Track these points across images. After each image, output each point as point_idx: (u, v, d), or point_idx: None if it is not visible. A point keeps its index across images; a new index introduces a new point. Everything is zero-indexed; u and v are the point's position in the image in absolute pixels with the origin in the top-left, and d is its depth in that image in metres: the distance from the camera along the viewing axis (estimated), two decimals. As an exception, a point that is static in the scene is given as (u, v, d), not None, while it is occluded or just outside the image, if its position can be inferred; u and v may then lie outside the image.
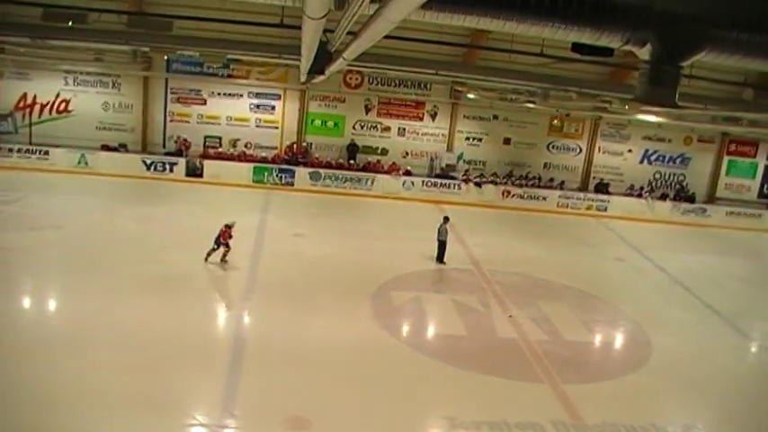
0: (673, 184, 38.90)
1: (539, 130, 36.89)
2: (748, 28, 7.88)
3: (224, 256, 21.96)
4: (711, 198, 39.41)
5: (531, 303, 21.88)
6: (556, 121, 35.88)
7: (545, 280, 24.61)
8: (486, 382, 16.71)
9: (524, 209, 35.11)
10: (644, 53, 9.05)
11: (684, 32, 8.92)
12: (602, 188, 37.35)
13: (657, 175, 38.69)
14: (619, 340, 21.44)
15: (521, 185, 35.82)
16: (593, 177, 37.90)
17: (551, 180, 36.94)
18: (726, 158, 39.43)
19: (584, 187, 37.61)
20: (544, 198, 35.82)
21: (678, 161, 38.84)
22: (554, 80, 26.87)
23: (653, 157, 38.51)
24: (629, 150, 38.16)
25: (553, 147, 37.30)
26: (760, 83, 29.19)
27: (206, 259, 21.83)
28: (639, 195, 37.40)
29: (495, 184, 35.49)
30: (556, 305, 22.23)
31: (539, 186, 36.25)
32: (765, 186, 40.09)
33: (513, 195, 35.40)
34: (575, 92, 26.70)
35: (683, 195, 38.44)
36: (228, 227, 21.99)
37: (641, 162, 38.44)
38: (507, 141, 36.79)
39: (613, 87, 27.45)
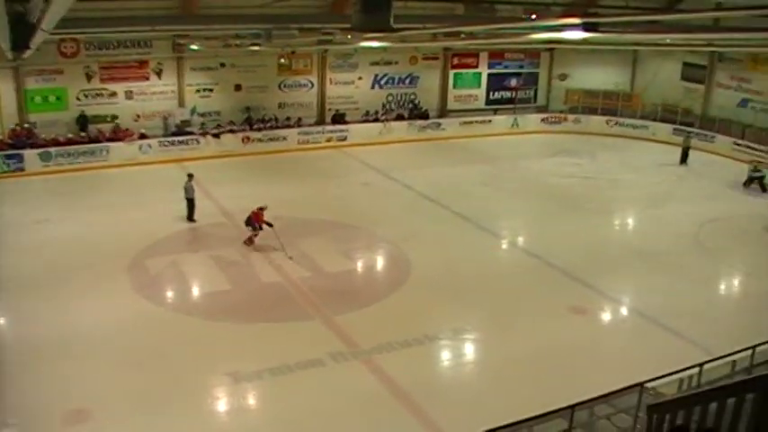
0: (406, 104, 40.07)
1: (268, 72, 36.66)
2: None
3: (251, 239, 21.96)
4: (443, 112, 41.06)
5: (290, 243, 21.97)
6: (283, 60, 35.77)
7: (299, 218, 24.77)
8: (260, 331, 16.78)
9: (266, 152, 34.88)
10: (353, -18, 9.08)
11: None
12: (338, 119, 37.84)
13: (390, 98, 39.70)
14: (379, 263, 22.08)
15: (259, 129, 35.58)
16: (329, 109, 38.26)
17: (288, 119, 36.90)
18: (451, 72, 41.18)
19: (321, 121, 37.92)
20: (284, 138, 35.81)
21: (407, 81, 40.03)
22: (275, 19, 26.71)
23: (383, 81, 39.43)
24: (360, 78, 38.82)
25: (285, 86, 37.24)
26: (469, -4, 30.49)
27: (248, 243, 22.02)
28: (375, 120, 38.21)
29: (234, 132, 35.08)
30: (314, 241, 22.54)
31: (277, 127, 36.18)
32: (491, 93, 42.22)
33: (254, 140, 35.14)
34: (296, 29, 26.68)
35: (416, 113, 39.71)
36: (261, 209, 21.57)
37: (373, 87, 39.24)
38: (238, 87, 36.31)
39: (334, 19, 27.65)
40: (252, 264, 20.78)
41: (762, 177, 30.81)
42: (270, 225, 21.62)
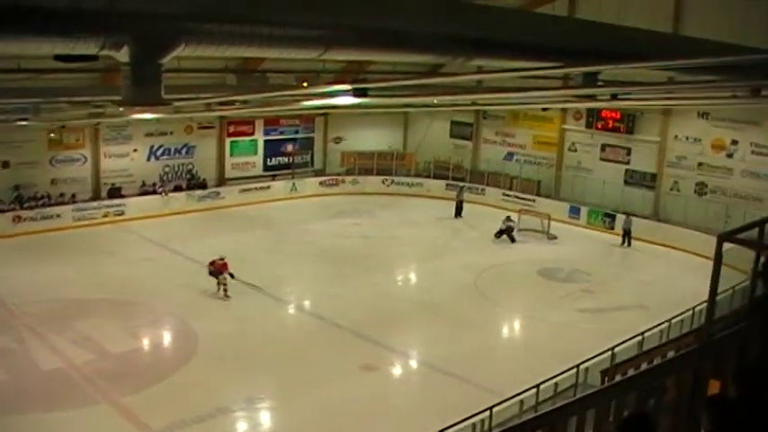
0: (183, 174, 39.53)
1: (38, 147, 35.04)
2: (226, 19, 8.08)
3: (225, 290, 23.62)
4: (222, 180, 40.77)
5: (69, 326, 21.11)
6: (53, 135, 34.50)
7: (77, 299, 23.77)
8: (40, 423, 15.92)
9: (40, 231, 33.21)
10: (123, 55, 8.89)
11: (159, 31, 8.93)
12: (115, 193, 36.79)
13: (167, 169, 39.02)
14: (165, 338, 21.65)
15: (31, 208, 33.92)
16: (105, 184, 37.07)
17: (62, 195, 35.47)
18: (228, 140, 41.06)
19: (96, 196, 36.68)
20: (58, 215, 34.27)
21: (184, 151, 39.53)
22: (42, 93, 25.81)
23: (159, 152, 38.72)
24: (135, 150, 37.89)
25: (56, 161, 35.78)
26: (240, 67, 30.98)
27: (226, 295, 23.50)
28: (153, 192, 37.44)
29: (3, 211, 33.27)
30: (94, 321, 21.73)
31: (50, 205, 34.65)
32: (268, 159, 42.44)
33: (25, 219, 33.44)
34: (65, 102, 25.86)
35: (194, 183, 39.27)
36: (222, 259, 23.66)
37: (149, 159, 38.40)
38: (6, 165, 34.53)
39: (106, 91, 26.90)
40: (29, 350, 19.69)
41: (510, 230, 32.55)
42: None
